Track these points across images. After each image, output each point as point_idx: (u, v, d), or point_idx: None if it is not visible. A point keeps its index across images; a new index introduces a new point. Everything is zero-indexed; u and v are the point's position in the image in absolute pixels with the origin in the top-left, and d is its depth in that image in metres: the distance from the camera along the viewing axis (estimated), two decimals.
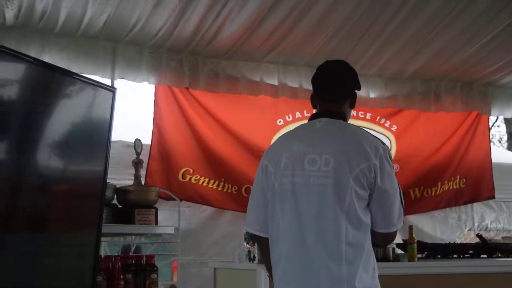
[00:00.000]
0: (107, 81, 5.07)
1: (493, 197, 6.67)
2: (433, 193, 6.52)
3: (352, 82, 2.93)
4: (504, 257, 4.64)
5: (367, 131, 2.91)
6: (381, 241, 2.79)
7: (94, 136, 3.23)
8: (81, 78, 2.72)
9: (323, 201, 2.66)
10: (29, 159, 2.92)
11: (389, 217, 2.72)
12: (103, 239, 5.16)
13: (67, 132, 3.16)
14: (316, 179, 2.68)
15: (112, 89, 2.68)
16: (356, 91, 2.93)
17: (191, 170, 5.53)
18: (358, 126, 2.96)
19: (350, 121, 6.11)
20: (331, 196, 2.65)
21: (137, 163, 4.47)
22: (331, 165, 2.67)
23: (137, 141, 4.49)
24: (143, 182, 5.06)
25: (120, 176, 4.87)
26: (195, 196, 5.54)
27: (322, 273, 2.63)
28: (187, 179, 5.51)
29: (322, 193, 2.67)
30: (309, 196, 2.69)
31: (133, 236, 4.98)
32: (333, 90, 2.89)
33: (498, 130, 20.05)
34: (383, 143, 2.77)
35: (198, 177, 5.56)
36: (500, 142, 19.32)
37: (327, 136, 2.79)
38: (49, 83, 2.83)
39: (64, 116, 3.14)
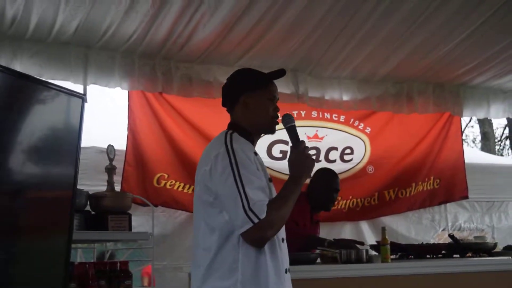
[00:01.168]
0: (80, 87, 5.05)
1: (466, 197, 6.75)
2: (407, 194, 6.58)
3: (232, 86, 3.03)
4: (476, 257, 4.68)
5: (224, 137, 2.84)
6: (247, 242, 2.68)
7: (64, 142, 3.21)
8: (50, 85, 2.71)
9: (195, 210, 2.90)
10: None
11: (233, 219, 2.67)
12: (78, 246, 5.15)
13: (36, 139, 3.14)
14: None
15: (81, 96, 2.67)
16: (244, 94, 2.95)
17: (166, 176, 5.52)
18: (226, 132, 2.90)
19: (324, 123, 6.26)
20: (195, 204, 2.88)
21: (110, 169, 4.45)
22: (196, 175, 2.91)
23: (110, 147, 4.46)
24: (118, 188, 5.06)
25: (93, 182, 4.86)
26: (170, 202, 5.54)
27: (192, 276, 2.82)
28: (162, 184, 5.51)
29: (194, 202, 2.92)
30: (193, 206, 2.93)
31: (108, 243, 4.96)
32: (223, 103, 3.06)
33: (472, 131, 20.33)
34: (228, 144, 2.76)
35: (173, 182, 5.55)
36: (474, 142, 19.53)
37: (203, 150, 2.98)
38: (17, 90, 2.81)
39: (33, 123, 3.11)
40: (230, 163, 2.69)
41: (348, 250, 4.21)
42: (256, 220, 2.62)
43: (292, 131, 2.97)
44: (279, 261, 2.79)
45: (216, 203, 2.72)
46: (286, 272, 2.86)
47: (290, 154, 2.92)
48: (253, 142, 2.97)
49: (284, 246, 2.90)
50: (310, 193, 5.06)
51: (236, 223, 2.65)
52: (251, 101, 2.95)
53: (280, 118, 2.99)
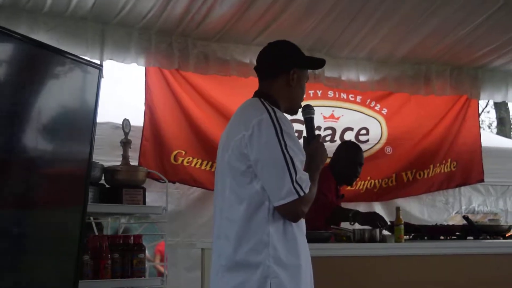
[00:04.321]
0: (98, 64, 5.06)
1: (482, 180, 6.72)
2: (425, 176, 6.56)
3: (285, 56, 2.92)
4: (490, 239, 4.66)
5: (261, 103, 2.77)
6: (282, 215, 2.65)
7: (80, 114, 3.22)
8: (67, 55, 2.72)
9: (218, 179, 2.83)
10: (15, 137, 2.91)
11: (273, 189, 2.63)
12: (92, 220, 5.19)
13: (53, 110, 3.16)
14: (217, 160, 2.89)
15: (98, 67, 2.68)
16: (295, 68, 2.89)
17: (183, 152, 5.53)
18: (259, 100, 2.81)
19: (341, 103, 6.25)
20: (219, 173, 2.82)
21: (125, 143, 4.47)
22: (221, 143, 2.84)
23: (125, 121, 4.48)
24: (136, 163, 5.09)
25: (109, 158, 4.88)
26: (187, 179, 5.55)
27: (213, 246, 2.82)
28: (179, 161, 5.52)
29: (217, 172, 2.88)
30: (215, 176, 2.90)
31: (122, 218, 5.00)
32: (257, 69, 2.98)
33: (488, 116, 20.17)
34: (270, 112, 2.69)
35: (191, 159, 5.56)
36: (489, 127, 19.41)
37: (232, 117, 2.91)
38: (34, 60, 2.81)
39: (50, 94, 3.13)
40: (276, 131, 2.62)
41: (362, 229, 4.20)
42: (302, 194, 2.60)
43: (310, 122, 2.97)
44: (304, 235, 2.79)
45: (249, 172, 2.65)
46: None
47: (312, 144, 2.90)
48: None
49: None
50: (334, 166, 5.02)
51: (277, 193, 2.61)
52: (297, 77, 2.89)
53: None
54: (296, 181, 2.60)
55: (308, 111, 2.97)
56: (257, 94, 2.90)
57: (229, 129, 2.84)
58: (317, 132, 6.03)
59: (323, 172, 4.52)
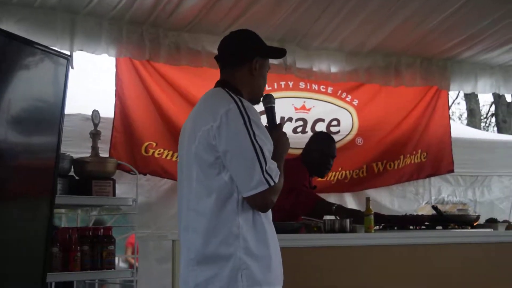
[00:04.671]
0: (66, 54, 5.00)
1: (452, 171, 6.80)
2: (395, 167, 6.61)
3: (248, 45, 2.90)
4: (459, 229, 4.71)
5: (226, 93, 2.73)
6: (252, 205, 2.63)
7: (49, 105, 3.19)
8: (35, 46, 2.68)
9: (184, 170, 2.78)
10: None
11: (243, 180, 2.60)
12: (62, 212, 5.15)
13: (21, 101, 3.12)
14: (180, 152, 2.87)
15: (66, 57, 2.65)
16: (258, 57, 2.87)
17: (154, 144, 5.51)
18: (224, 89, 2.78)
19: (312, 94, 6.27)
20: (184, 165, 2.78)
21: (94, 134, 4.44)
22: (186, 135, 2.79)
23: (95, 112, 4.45)
24: (107, 154, 5.05)
25: (79, 149, 4.82)
26: (158, 170, 5.53)
27: (181, 239, 2.79)
28: (150, 153, 5.49)
29: (181, 163, 2.83)
30: (178, 168, 2.87)
31: (92, 211, 4.97)
32: (219, 58, 2.95)
33: (459, 108, 20.39)
34: (237, 101, 2.66)
35: (162, 150, 5.54)
36: (460, 119, 19.63)
37: (196, 106, 2.89)
38: (2, 51, 2.78)
39: (18, 85, 3.09)
40: (244, 121, 2.60)
41: (332, 220, 4.22)
42: (272, 183, 2.59)
43: (271, 112, 2.93)
44: (272, 224, 2.77)
45: (217, 163, 2.63)
46: None
47: (274, 134, 2.81)
48: None
49: None
50: (305, 157, 4.96)
51: (247, 184, 2.58)
52: (259, 66, 2.88)
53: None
54: (266, 171, 2.58)
55: (269, 101, 2.95)
56: (219, 84, 2.86)
57: (194, 119, 2.79)
58: (287, 123, 6.10)
59: (296, 163, 4.53)
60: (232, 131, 2.60)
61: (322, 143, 5.08)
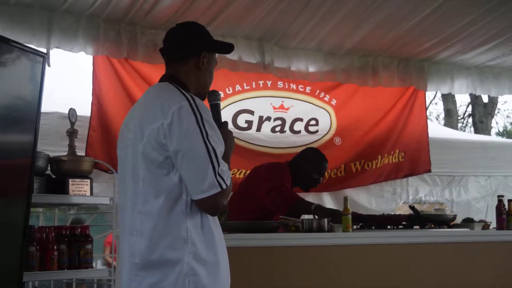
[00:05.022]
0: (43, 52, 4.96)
1: (429, 171, 6.84)
2: (373, 166, 6.63)
3: (195, 38, 2.79)
4: (436, 228, 4.75)
5: (176, 89, 2.60)
6: (202, 208, 2.51)
7: (25, 103, 3.16)
8: (10, 43, 2.66)
9: (128, 170, 2.64)
10: None
11: (194, 182, 2.48)
12: (39, 211, 5.10)
13: None
14: (124, 150, 2.71)
15: (43, 55, 2.62)
16: (205, 51, 2.76)
17: None
18: (173, 85, 2.65)
19: (290, 94, 6.27)
20: (129, 164, 2.63)
21: (71, 133, 4.40)
22: (132, 131, 2.64)
23: (72, 110, 4.41)
24: (83, 153, 5.02)
25: (56, 148, 4.80)
26: None
27: (124, 243, 2.64)
28: None
29: (125, 162, 2.68)
30: (121, 167, 2.73)
31: (70, 210, 4.93)
32: (164, 51, 2.83)
33: (436, 108, 20.57)
34: (189, 98, 2.53)
35: None
36: (437, 119, 19.80)
37: (140, 101, 2.77)
38: None
39: None
40: (197, 119, 2.48)
41: (310, 219, 4.23)
42: (224, 186, 2.47)
43: (216, 109, 2.79)
44: (219, 228, 2.65)
45: (166, 163, 2.50)
46: None
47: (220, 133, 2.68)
48: None
49: None
50: (293, 168, 4.97)
51: (198, 186, 2.46)
52: (207, 61, 2.77)
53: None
54: (219, 173, 2.47)
55: (215, 97, 2.83)
56: (166, 79, 2.74)
57: (140, 115, 2.64)
58: (265, 122, 6.10)
59: (281, 166, 4.53)
60: (184, 130, 2.47)
61: (316, 160, 5.09)
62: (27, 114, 3.18)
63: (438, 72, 6.75)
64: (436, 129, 7.91)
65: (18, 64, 3.21)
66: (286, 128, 6.26)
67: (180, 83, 2.68)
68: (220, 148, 2.53)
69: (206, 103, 2.69)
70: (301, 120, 6.33)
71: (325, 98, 6.46)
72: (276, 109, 6.23)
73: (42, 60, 2.87)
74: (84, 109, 5.14)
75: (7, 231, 3.23)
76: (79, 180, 4.30)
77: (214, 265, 2.54)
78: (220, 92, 2.94)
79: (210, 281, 2.50)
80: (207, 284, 2.49)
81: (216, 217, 2.64)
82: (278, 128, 6.21)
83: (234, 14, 5.29)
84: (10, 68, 3.19)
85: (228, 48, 2.93)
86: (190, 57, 2.74)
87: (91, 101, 5.33)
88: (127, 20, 5.28)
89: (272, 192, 4.60)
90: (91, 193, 4.40)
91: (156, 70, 5.58)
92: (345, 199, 4.32)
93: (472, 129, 18.00)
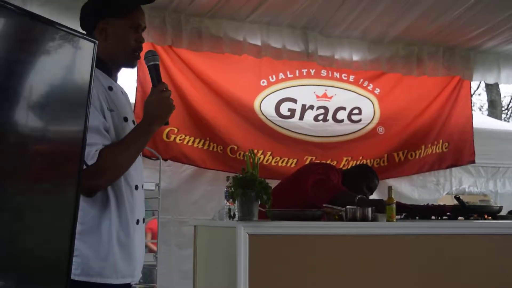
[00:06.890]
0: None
1: (473, 161, 6.75)
2: (417, 157, 6.57)
3: (90, 9, 2.69)
4: (481, 219, 4.69)
5: None
6: None
7: (74, 90, 3.18)
8: (61, 28, 2.68)
9: None
10: (6, 114, 2.88)
11: None
12: None
13: (45, 86, 3.11)
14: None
15: (93, 40, 2.63)
16: (107, 17, 2.63)
17: (176, 130, 5.51)
18: None
19: (334, 82, 6.23)
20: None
21: None
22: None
23: None
24: None
25: None
26: (180, 156, 5.54)
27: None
28: (172, 138, 5.50)
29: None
30: None
31: None
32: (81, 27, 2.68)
33: (479, 99, 20.23)
34: None
35: (183, 136, 5.54)
36: (480, 110, 19.48)
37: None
38: (27, 33, 2.77)
39: (42, 69, 3.07)
40: None
41: (353, 208, 4.20)
42: (83, 166, 2.26)
43: (154, 70, 2.67)
44: (127, 210, 2.54)
45: None
46: (137, 223, 2.61)
47: (149, 95, 2.63)
48: (111, 75, 2.67)
49: (138, 194, 2.64)
50: (348, 177, 4.99)
51: None
52: (111, 29, 2.63)
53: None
54: None
55: (150, 58, 2.68)
56: None
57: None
58: (308, 111, 6.07)
59: (335, 168, 4.54)
60: None
61: (371, 177, 5.12)
62: (76, 102, 3.20)
63: (484, 61, 6.66)
64: (481, 119, 7.79)
65: (68, 50, 3.22)
66: (329, 117, 6.23)
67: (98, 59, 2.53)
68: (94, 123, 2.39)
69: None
70: (344, 109, 6.30)
71: (369, 87, 6.41)
72: (319, 97, 6.20)
73: (92, 46, 2.88)
74: (129, 96, 5.17)
75: (57, 220, 3.26)
76: None
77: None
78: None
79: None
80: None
81: (122, 197, 2.54)
82: (321, 117, 6.19)
83: (278, 3, 5.29)
84: (59, 53, 3.19)
85: (132, 1, 2.71)
86: (91, 30, 2.64)
87: (135, 88, 5.37)
88: (172, 7, 5.31)
89: (317, 184, 4.60)
90: None
91: (200, 58, 5.63)
92: (389, 188, 4.28)
93: None
